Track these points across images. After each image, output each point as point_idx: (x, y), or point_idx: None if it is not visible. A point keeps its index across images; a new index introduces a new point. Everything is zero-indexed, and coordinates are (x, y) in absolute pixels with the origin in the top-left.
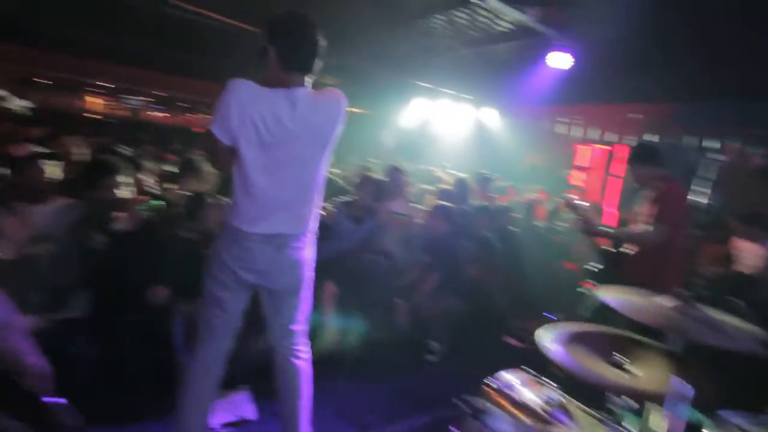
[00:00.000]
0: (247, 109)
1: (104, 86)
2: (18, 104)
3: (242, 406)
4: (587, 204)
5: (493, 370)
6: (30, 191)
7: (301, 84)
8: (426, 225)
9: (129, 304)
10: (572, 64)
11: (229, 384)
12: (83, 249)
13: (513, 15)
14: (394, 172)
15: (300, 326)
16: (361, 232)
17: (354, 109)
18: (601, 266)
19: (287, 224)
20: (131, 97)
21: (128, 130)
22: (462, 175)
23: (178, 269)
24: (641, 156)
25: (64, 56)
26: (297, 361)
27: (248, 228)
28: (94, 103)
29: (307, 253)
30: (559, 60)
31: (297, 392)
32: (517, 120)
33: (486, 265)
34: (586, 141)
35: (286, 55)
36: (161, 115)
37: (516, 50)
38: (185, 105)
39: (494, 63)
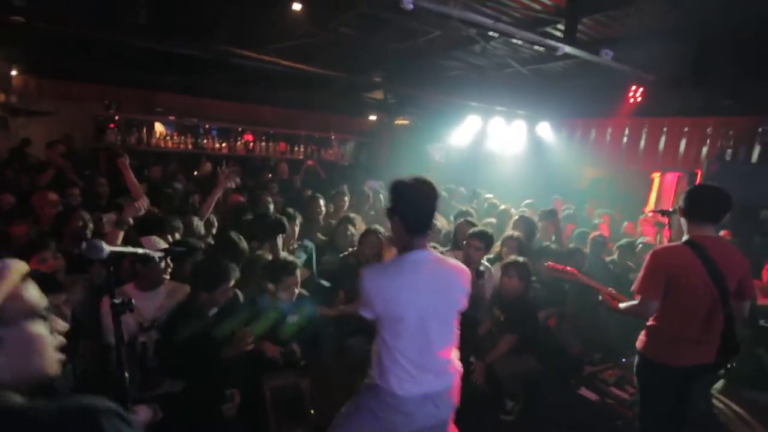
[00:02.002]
0: (387, 291)
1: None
2: None
3: None
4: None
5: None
6: (143, 281)
7: (423, 245)
8: (499, 282)
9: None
10: (641, 98)
11: None
12: (182, 334)
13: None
14: (463, 225)
15: None
16: None
17: (401, 121)
18: None
19: (436, 382)
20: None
21: (190, 162)
22: (524, 208)
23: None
24: (684, 204)
25: (131, 90)
26: None
27: (401, 392)
28: (161, 137)
29: (457, 387)
30: (634, 94)
31: None
32: (572, 133)
33: (556, 309)
34: (657, 153)
35: (409, 222)
36: (222, 144)
37: (576, 64)
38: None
39: (551, 77)
